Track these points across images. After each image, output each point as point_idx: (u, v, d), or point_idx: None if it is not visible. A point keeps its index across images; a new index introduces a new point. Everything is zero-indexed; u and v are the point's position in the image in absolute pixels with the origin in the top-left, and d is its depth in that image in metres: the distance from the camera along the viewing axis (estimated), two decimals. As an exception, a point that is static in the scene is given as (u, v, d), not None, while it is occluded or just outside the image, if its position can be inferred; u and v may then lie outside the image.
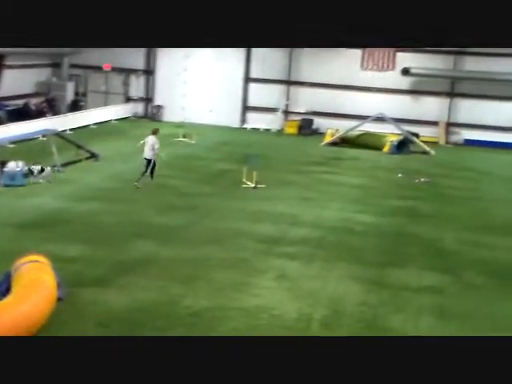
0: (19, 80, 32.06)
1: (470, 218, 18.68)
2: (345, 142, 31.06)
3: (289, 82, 35.30)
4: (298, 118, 35.02)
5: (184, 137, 28.95)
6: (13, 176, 18.95)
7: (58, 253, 13.07)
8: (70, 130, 28.62)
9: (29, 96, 32.56)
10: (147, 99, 36.83)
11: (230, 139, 30.84)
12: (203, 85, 35.86)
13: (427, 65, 33.75)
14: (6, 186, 18.63)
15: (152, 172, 20.04)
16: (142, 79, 36.76)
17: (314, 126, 34.59)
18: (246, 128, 35.15)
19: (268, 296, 11.93)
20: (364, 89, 34.55)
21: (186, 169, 23.29)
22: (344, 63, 34.59)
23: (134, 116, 36.18)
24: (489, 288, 13.06)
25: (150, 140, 20.11)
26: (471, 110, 34.15)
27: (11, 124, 26.12)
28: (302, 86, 35.37)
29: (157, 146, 19.89)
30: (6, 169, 18.96)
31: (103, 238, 14.80)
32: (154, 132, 20.46)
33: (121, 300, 11.49)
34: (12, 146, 23.34)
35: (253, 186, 20.45)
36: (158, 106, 36.17)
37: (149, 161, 19.89)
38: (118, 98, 36.52)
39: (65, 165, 21.65)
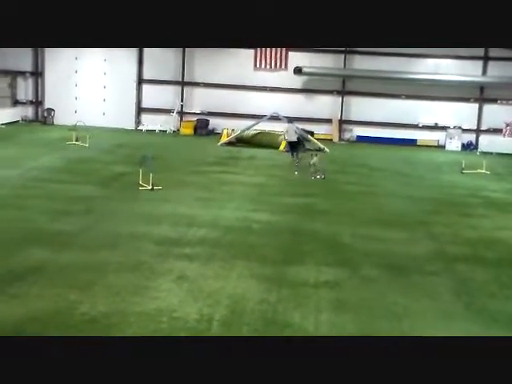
0: None
1: (364, 213, 19.18)
2: (241, 141, 31.24)
3: (183, 83, 35.14)
4: (194, 118, 34.94)
5: (77, 140, 28.26)
6: None
7: None
8: (-45, 135, 27.36)
9: None
10: (37, 102, 35.69)
11: (125, 141, 30.38)
12: (95, 87, 35.18)
13: (319, 64, 34.44)
14: None
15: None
16: (30, 81, 35.58)
17: (210, 127, 34.64)
18: (141, 130, 34.72)
19: (168, 298, 11.76)
20: (258, 88, 34.89)
21: (80, 173, 22.73)
22: (237, 63, 34.81)
23: (24, 120, 35.00)
24: (383, 280, 13.42)
25: (290, 128, 26.08)
26: (362, 107, 35.18)
27: None
28: (196, 86, 35.30)
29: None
30: None
31: (-7, 247, 14.17)
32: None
33: (11, 310, 11.01)
34: None
35: (150, 188, 20.19)
36: (49, 109, 35.12)
37: (295, 142, 25.06)
38: (5, 102, 35.19)
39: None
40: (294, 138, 27.13)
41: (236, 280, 12.94)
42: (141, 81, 35.16)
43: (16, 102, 35.35)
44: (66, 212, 17.49)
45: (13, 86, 35.17)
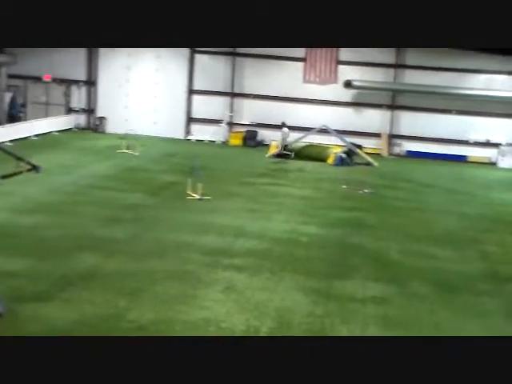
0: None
1: (413, 229, 18.97)
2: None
3: (232, 94, 35.36)
4: (243, 129, 35.10)
5: (128, 149, 28.64)
6: (-50, 189, 18.40)
7: (-2, 267, 12.72)
8: (10, 141, 27.97)
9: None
10: (89, 110, 36.33)
11: (175, 151, 30.66)
12: (146, 96, 35.60)
13: (369, 77, 34.29)
14: None
15: None
16: (83, 90, 36.25)
17: (259, 138, 34.72)
18: (190, 140, 35.01)
19: (215, 308, 11.83)
20: (307, 101, 34.86)
21: (130, 181, 23.02)
22: (287, 75, 34.88)
23: (77, 127, 35.65)
24: (432, 297, 13.25)
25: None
26: (412, 122, 34.85)
27: None
28: (245, 97, 35.47)
29: None
30: None
31: (46, 252, 14.46)
32: None
33: (63, 315, 11.22)
34: None
35: (198, 197, 20.33)
36: (101, 117, 35.70)
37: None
38: (59, 110, 35.90)
39: (4, 177, 21.11)
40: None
41: (283, 292, 12.95)
42: (191, 91, 35.51)
43: (70, 110, 36.07)
44: (116, 219, 17.74)
45: (67, 95, 35.91)
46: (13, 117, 34.01)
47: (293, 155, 29.99)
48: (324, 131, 31.63)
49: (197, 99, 35.84)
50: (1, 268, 12.85)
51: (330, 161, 30.05)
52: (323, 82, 34.86)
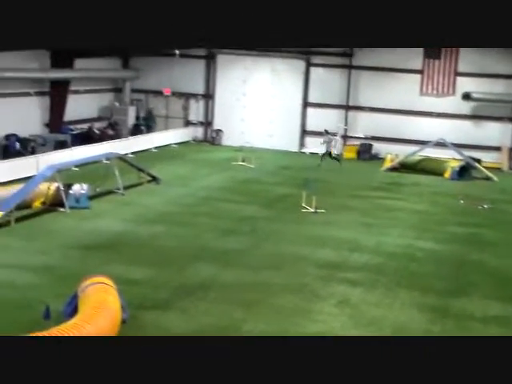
0: (83, 105, 32.88)
1: (536, 247, 18.20)
2: (405, 167, 30.74)
3: (347, 107, 35.24)
4: (357, 142, 34.89)
5: (243, 161, 29.14)
6: (78, 198, 19.38)
7: (121, 275, 13.27)
8: (132, 153, 29.14)
9: (92, 120, 33.33)
10: (207, 123, 37.25)
11: (289, 163, 30.90)
12: (262, 109, 36.08)
13: (488, 89, 33.26)
14: (71, 208, 19.05)
15: None
16: (201, 103, 37.22)
17: (373, 151, 34.38)
18: (304, 152, 35.16)
19: (329, 322, 11.84)
20: (424, 114, 34.21)
21: (245, 193, 23.41)
22: (403, 88, 34.35)
23: (194, 140, 36.61)
24: (557, 319, 12.67)
25: None
26: (535, 135, 33.45)
27: (76, 147, 26.74)
28: (360, 110, 35.26)
29: None
30: (71, 191, 19.39)
31: (165, 261, 14.97)
32: None
33: (181, 324, 11.58)
34: (76, 169, 23.89)
35: (312, 210, 20.39)
36: (218, 130, 36.51)
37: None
38: (178, 122, 37.05)
39: (127, 188, 22.04)
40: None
41: (399, 308, 12.78)
42: (306, 104, 35.68)
43: (188, 123, 37.12)
44: (232, 231, 18.09)
45: (186, 108, 36.99)
46: (149, 127, 35.65)
47: (340, 162, 29.78)
48: (441, 145, 30.93)
49: (311, 112, 35.96)
50: (124, 276, 13.39)
51: (447, 175, 29.34)
52: (441, 95, 34.12)
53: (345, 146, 34.98)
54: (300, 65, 35.33)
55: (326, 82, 35.27)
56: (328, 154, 30.03)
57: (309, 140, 35.86)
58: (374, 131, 34.69)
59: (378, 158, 33.32)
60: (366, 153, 34.25)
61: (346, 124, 35.18)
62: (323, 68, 35.30)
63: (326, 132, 30.65)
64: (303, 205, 20.72)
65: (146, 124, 35.93)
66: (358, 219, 20.17)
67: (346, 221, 19.85)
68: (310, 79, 35.59)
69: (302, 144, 35.94)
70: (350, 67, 34.66)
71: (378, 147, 34.37)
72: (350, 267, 15.27)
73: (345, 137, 35.14)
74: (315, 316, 12.15)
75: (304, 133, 36.05)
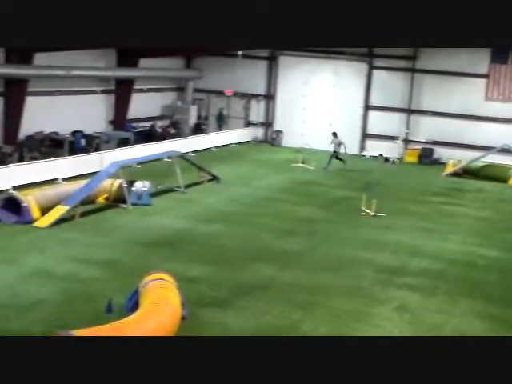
0: (147, 103, 33.38)
1: None
2: (467, 173, 30.19)
3: (409, 111, 34.82)
4: (419, 146, 34.44)
5: (303, 162, 29.11)
6: (139, 195, 19.71)
7: (181, 272, 13.44)
8: (193, 152, 29.45)
9: (155, 118, 33.84)
10: (267, 124, 37.34)
11: (349, 166, 30.70)
12: (323, 111, 35.98)
13: (558, 95, 32.40)
14: (133, 204, 19.38)
15: None
16: (262, 104, 37.34)
17: (435, 156, 33.88)
18: (364, 155, 34.91)
19: (389, 327, 11.74)
20: (488, 119, 33.55)
21: (304, 194, 23.39)
22: (467, 92, 33.73)
23: (254, 140, 36.75)
24: None
25: None
26: None
27: (138, 145, 27.18)
28: (422, 114, 34.79)
29: None
30: (133, 188, 19.73)
31: (224, 260, 15.10)
32: None
33: (239, 323, 11.66)
34: (138, 166, 24.28)
35: (372, 214, 20.24)
36: (278, 131, 36.57)
37: None
38: (239, 122, 37.25)
39: (187, 186, 22.29)
40: None
41: (459, 316, 12.58)
42: (367, 107, 35.41)
43: (248, 123, 37.29)
44: (290, 232, 18.11)
45: (246, 108, 37.16)
46: (220, 127, 36.34)
47: (345, 163, 29.14)
48: (505, 151, 30.29)
49: (372, 115, 35.68)
50: (184, 273, 13.56)
51: (511, 182, 28.70)
52: (507, 100, 33.39)
53: (406, 149, 34.58)
54: (362, 67, 35.09)
55: (389, 85, 34.93)
56: (335, 155, 29.37)
57: (369, 143, 35.59)
58: (436, 136, 34.18)
59: (439, 163, 32.81)
60: (427, 157, 33.78)
61: (407, 128, 34.78)
62: (386, 71, 34.97)
63: (335, 135, 29.98)
64: (363, 208, 20.58)
65: (217, 123, 36.50)
66: (419, 224, 19.92)
67: (406, 225, 19.63)
68: (372, 82, 35.31)
69: (362, 147, 35.68)
70: (413, 70, 34.24)
71: (439, 152, 33.86)
72: (410, 272, 15.10)
73: (406, 141, 34.74)
74: (374, 320, 12.07)
75: (365, 136, 35.78)
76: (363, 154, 35.21)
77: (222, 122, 36.82)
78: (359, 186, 23.20)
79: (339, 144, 29.45)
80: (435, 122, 34.42)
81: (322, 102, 36.04)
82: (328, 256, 16.03)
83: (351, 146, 35.30)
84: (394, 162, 30.64)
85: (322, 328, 11.51)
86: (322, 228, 18.78)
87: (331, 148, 29.80)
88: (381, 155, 30.41)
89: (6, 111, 24.14)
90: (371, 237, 17.98)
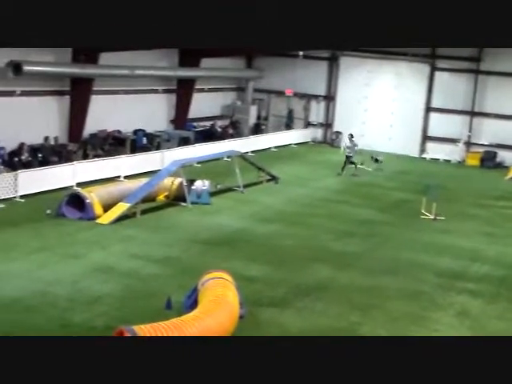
0: (207, 103, 33.69)
1: None
2: (531, 177, 29.52)
3: (472, 113, 34.19)
4: (481, 149, 33.79)
5: (362, 164, 28.91)
6: (199, 194, 19.93)
7: (239, 271, 13.55)
8: (252, 152, 29.59)
9: (215, 118, 34.12)
10: (327, 125, 37.22)
11: (408, 168, 30.40)
12: (383, 113, 35.65)
13: None
14: (193, 203, 19.61)
15: None
16: (322, 105, 37.23)
17: (498, 159, 33.20)
18: (425, 158, 34.44)
19: (448, 333, 11.58)
20: (555, 122, 32.69)
21: (363, 196, 23.24)
22: (534, 95, 32.97)
23: (313, 141, 36.68)
24: None
25: None
26: None
27: (198, 144, 27.46)
28: (486, 117, 34.12)
29: None
30: (193, 187, 19.96)
31: (282, 260, 15.15)
32: None
33: (297, 323, 11.69)
34: (198, 165, 24.54)
35: (432, 217, 19.97)
36: (337, 132, 36.40)
37: None
38: (299, 123, 37.23)
39: (246, 186, 22.42)
40: None
41: (521, 324, 12.32)
42: (428, 109, 34.94)
43: (308, 124, 37.25)
44: (348, 233, 18.04)
45: (306, 109, 37.13)
46: (288, 126, 36.55)
47: (356, 166, 27.56)
48: None
49: (434, 117, 35.17)
50: (242, 273, 13.67)
51: None
52: None
53: (468, 152, 33.99)
54: (425, 69, 34.62)
55: (451, 86, 34.37)
56: (349, 159, 27.83)
57: (430, 145, 35.10)
58: (500, 139, 33.48)
59: (502, 167, 32.13)
60: (489, 160, 33.12)
61: (469, 130, 34.17)
62: (449, 72, 34.43)
63: (351, 137, 28.69)
64: (422, 211, 20.33)
65: (286, 123, 36.66)
66: (480, 228, 19.57)
67: (467, 229, 19.32)
68: (434, 83, 34.81)
69: (422, 149, 35.21)
70: (477, 72, 33.60)
71: (502, 155, 33.16)
72: (471, 277, 14.86)
73: (468, 143, 34.15)
74: (434, 325, 11.93)
75: (425, 138, 35.31)
76: (423, 156, 34.75)
77: (290, 122, 36.91)
78: (418, 189, 22.90)
79: (354, 146, 28.32)
80: (499, 124, 33.71)
81: (382, 104, 35.72)
82: (387, 258, 15.91)
83: (411, 148, 35.00)
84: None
85: (380, 330, 11.44)
86: (381, 230, 18.63)
87: (346, 151, 28.27)
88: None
89: (71, 110, 24.70)
90: (431, 240, 17.76)
